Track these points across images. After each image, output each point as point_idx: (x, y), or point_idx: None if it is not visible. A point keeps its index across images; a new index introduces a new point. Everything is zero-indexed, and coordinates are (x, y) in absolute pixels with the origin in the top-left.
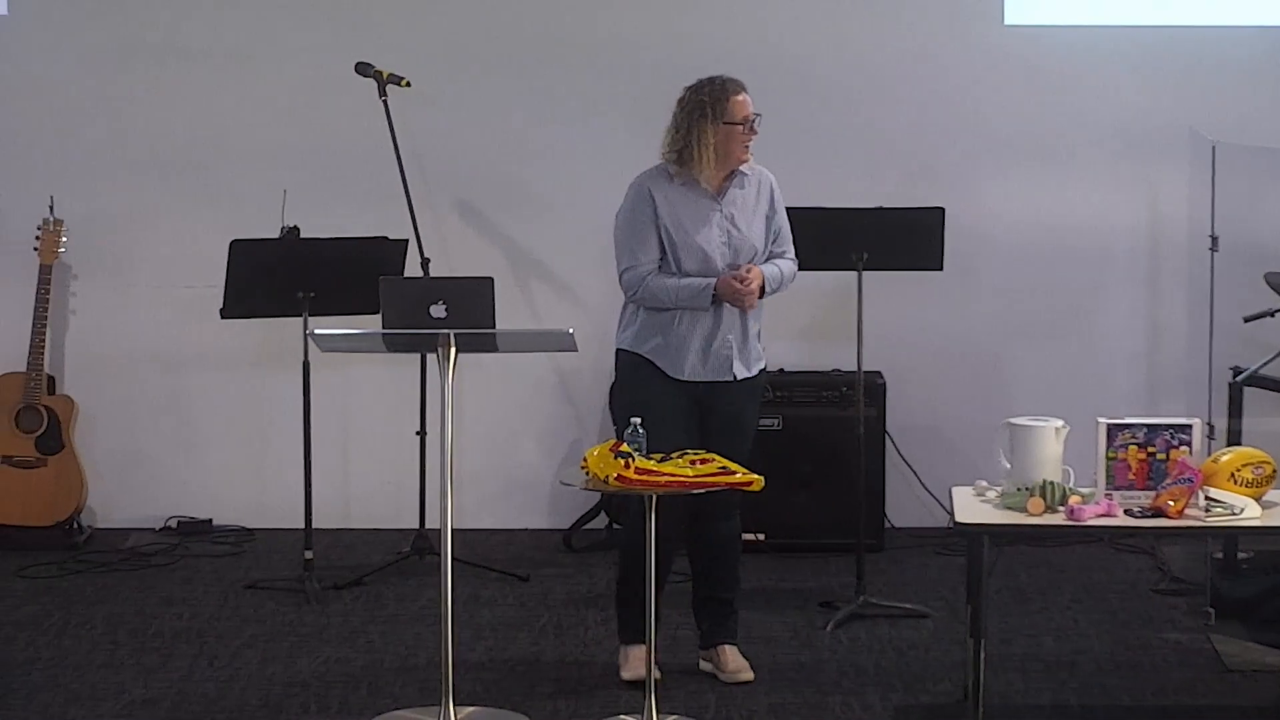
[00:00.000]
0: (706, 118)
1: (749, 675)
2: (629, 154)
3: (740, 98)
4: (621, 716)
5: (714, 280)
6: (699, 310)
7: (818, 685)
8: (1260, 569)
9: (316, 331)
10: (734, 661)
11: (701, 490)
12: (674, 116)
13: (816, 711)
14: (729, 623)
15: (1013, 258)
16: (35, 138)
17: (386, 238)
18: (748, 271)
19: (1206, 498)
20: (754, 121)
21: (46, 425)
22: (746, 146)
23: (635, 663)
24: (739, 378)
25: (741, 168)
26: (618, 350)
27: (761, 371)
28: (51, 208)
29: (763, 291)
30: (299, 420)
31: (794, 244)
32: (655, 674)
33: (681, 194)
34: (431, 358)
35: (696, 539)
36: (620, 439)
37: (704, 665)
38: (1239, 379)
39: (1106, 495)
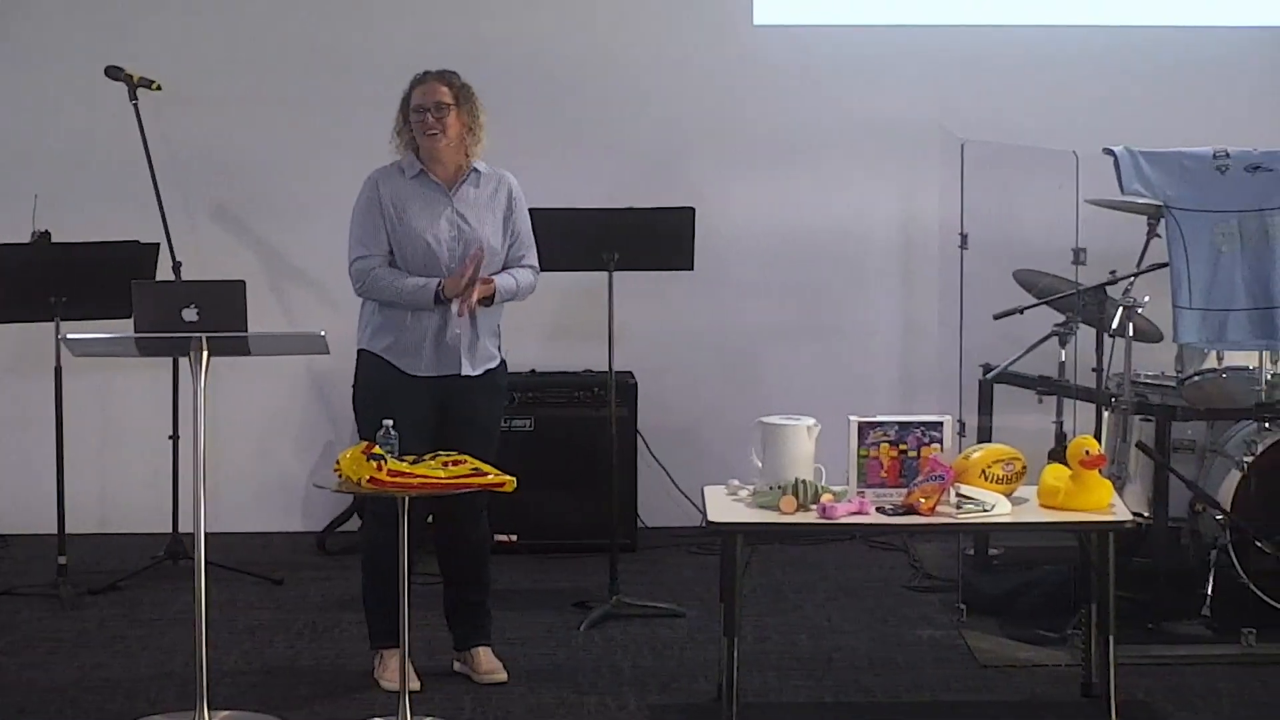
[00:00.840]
0: (403, 108)
1: (502, 676)
2: (381, 157)
3: (421, 87)
4: (377, 719)
5: (435, 280)
6: (423, 309)
7: (574, 685)
8: (1011, 565)
9: (68, 336)
10: (487, 663)
11: (454, 492)
12: None
13: (572, 711)
14: (482, 625)
15: (765, 257)
16: None
17: (138, 242)
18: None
19: (958, 494)
20: (431, 110)
21: None
22: (428, 135)
23: (394, 671)
24: (464, 374)
25: (478, 167)
26: (358, 351)
27: (489, 372)
28: None
29: (492, 298)
30: (52, 425)
31: (545, 244)
32: (415, 684)
33: (412, 188)
34: (184, 361)
35: (445, 543)
36: (367, 440)
37: (458, 666)
38: (989, 376)
39: (859, 493)
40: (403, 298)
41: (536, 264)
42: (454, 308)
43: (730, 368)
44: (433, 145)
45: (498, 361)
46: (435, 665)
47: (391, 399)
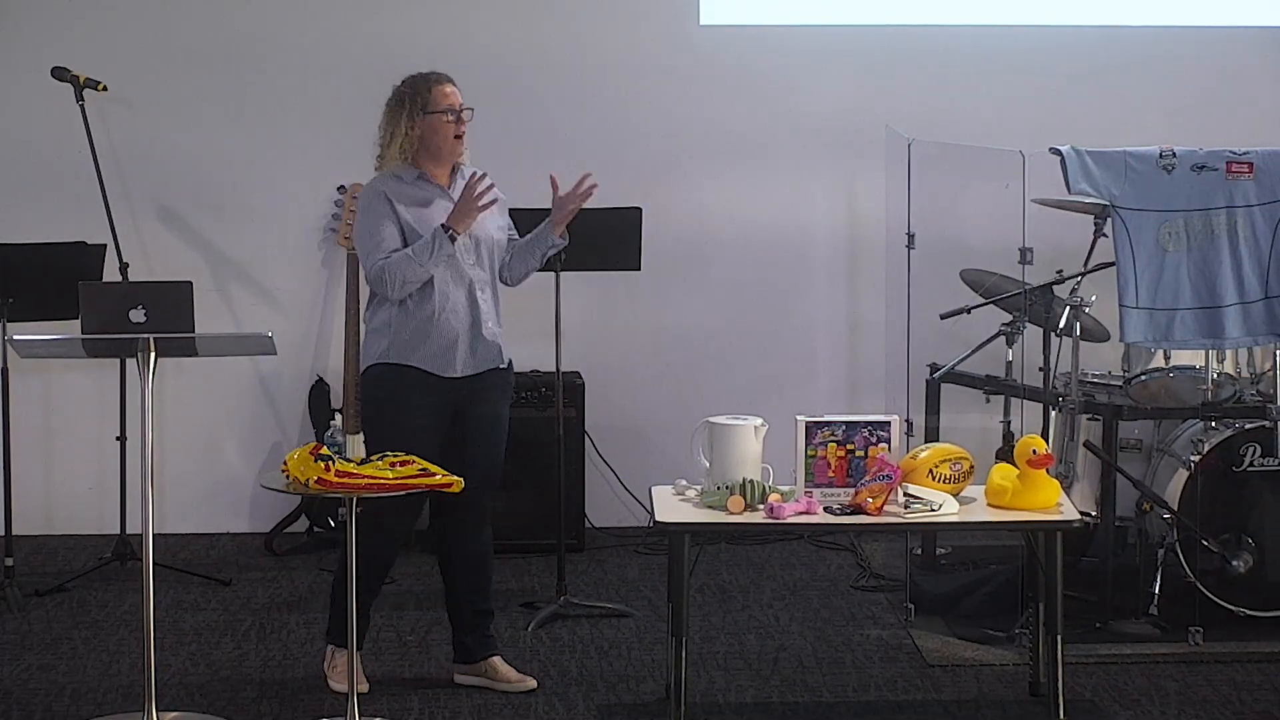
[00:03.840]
0: (404, 109)
1: (533, 683)
2: (326, 157)
3: (444, 88)
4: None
5: (438, 227)
6: (442, 259)
7: None
8: (959, 565)
9: (15, 338)
10: (513, 671)
11: (403, 493)
12: (383, 115)
13: (519, 712)
14: (490, 633)
15: (712, 257)
16: None
17: (85, 243)
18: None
19: (905, 494)
20: (462, 112)
21: None
22: (457, 138)
23: (342, 671)
24: (501, 367)
25: (459, 161)
26: (370, 367)
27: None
28: None
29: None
30: None
31: None
32: (363, 687)
33: (414, 193)
34: (132, 362)
35: (450, 551)
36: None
37: (463, 680)
38: (936, 375)
39: (806, 493)
40: (422, 257)
41: None
42: (482, 305)
43: (677, 368)
44: (459, 148)
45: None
46: (381, 666)
47: (415, 407)
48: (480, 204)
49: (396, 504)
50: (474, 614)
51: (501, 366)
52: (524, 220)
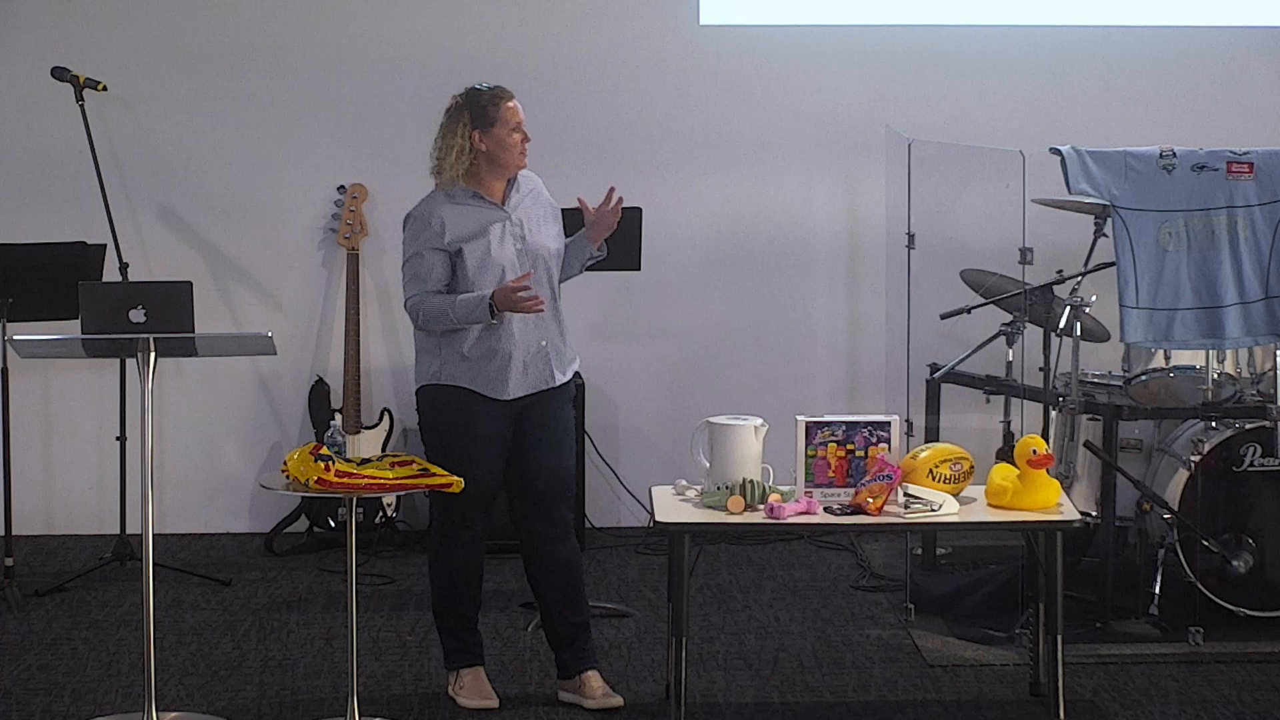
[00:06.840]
0: (467, 123)
1: (618, 700)
2: (326, 157)
3: (510, 103)
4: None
5: (488, 292)
6: (480, 323)
7: (521, 686)
8: (959, 565)
9: (15, 338)
10: (601, 688)
11: (405, 492)
12: (440, 128)
13: (519, 712)
14: (588, 648)
15: (711, 257)
16: None
17: (85, 243)
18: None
19: (906, 494)
20: (523, 128)
21: None
22: (523, 155)
23: (471, 689)
24: (557, 384)
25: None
26: (422, 387)
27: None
28: None
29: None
30: None
31: None
32: (493, 703)
33: (464, 213)
34: (132, 362)
35: (535, 565)
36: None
37: (565, 696)
38: (936, 375)
39: (806, 493)
40: (459, 315)
41: None
42: (533, 322)
43: (677, 368)
44: (523, 164)
45: (578, 359)
46: (382, 666)
47: (474, 423)
48: (520, 308)
49: (456, 505)
50: (568, 626)
51: (554, 386)
52: None
